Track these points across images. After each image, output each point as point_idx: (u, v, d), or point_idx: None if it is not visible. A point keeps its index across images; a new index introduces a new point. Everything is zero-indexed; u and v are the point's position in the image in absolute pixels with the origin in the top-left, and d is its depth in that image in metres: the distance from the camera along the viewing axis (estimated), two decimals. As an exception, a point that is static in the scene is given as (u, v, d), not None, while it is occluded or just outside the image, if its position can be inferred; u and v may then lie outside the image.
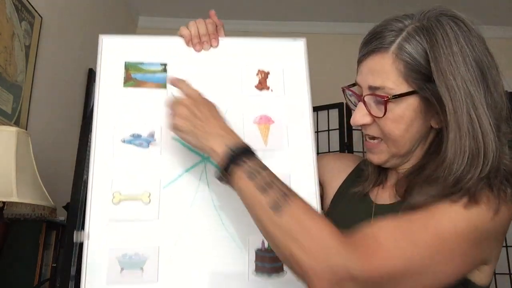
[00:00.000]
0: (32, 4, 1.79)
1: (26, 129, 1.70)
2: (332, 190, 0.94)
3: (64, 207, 1.60)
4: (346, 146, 2.61)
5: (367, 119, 0.79)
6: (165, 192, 0.86)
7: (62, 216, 1.54)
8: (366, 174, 0.89)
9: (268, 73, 0.95)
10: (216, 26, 0.96)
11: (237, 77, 0.94)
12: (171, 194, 0.86)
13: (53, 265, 1.52)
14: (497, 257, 0.76)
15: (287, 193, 0.67)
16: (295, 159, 0.90)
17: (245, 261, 0.84)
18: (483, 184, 0.70)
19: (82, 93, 2.38)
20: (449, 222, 0.67)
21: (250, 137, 0.90)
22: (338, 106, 2.67)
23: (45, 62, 1.92)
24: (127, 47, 0.95)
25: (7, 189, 1.19)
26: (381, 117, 0.77)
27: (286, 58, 0.97)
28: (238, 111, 0.92)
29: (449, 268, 0.67)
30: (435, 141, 0.79)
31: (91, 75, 2.42)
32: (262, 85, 0.94)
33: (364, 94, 0.79)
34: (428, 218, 0.68)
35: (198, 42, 0.94)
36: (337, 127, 2.67)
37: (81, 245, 0.84)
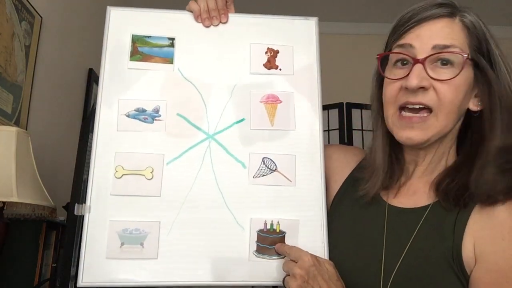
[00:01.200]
0: (32, 4, 1.79)
1: (26, 129, 1.70)
2: (336, 184, 0.92)
3: (64, 207, 1.60)
4: (346, 146, 2.61)
5: (425, 82, 0.75)
6: (168, 168, 0.86)
7: (62, 216, 1.54)
8: (370, 171, 0.85)
9: (277, 51, 0.94)
10: (226, 1, 0.94)
11: (246, 54, 0.93)
12: (174, 171, 0.86)
13: (53, 265, 1.52)
14: None
15: None
16: (301, 140, 0.89)
17: (246, 241, 0.84)
18: None
19: (82, 93, 2.38)
20: None
21: (257, 116, 0.89)
22: (338, 106, 2.67)
23: (45, 62, 1.92)
24: (134, 20, 0.93)
25: (7, 189, 1.19)
26: (447, 80, 0.74)
27: (297, 37, 0.95)
28: (245, 89, 0.91)
29: None
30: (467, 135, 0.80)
31: (91, 75, 2.41)
32: (270, 63, 0.93)
33: (426, 55, 0.75)
34: None
35: (207, 17, 0.92)
36: (337, 127, 2.67)
37: (75, 214, 0.83)
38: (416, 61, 0.75)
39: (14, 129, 1.30)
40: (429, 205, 0.78)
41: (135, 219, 0.83)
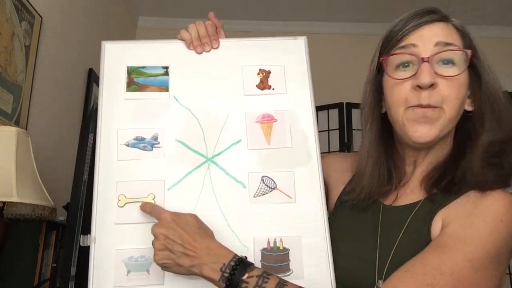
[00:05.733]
0: (32, 4, 1.79)
1: (26, 129, 1.70)
2: (337, 190, 0.94)
3: (64, 207, 1.60)
4: (346, 146, 2.61)
5: (436, 80, 0.75)
6: (170, 193, 0.86)
7: (62, 216, 1.54)
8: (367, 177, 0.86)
9: (269, 72, 0.95)
10: (216, 27, 0.97)
11: (238, 77, 0.95)
12: (176, 196, 0.86)
13: (53, 265, 1.52)
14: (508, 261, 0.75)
15: None
16: (298, 156, 0.90)
17: (251, 261, 0.83)
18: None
19: (82, 93, 2.38)
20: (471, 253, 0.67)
21: (253, 136, 0.90)
22: (338, 106, 2.68)
23: (45, 62, 1.92)
24: (128, 52, 0.95)
25: (7, 189, 1.19)
26: (453, 77, 0.76)
27: (287, 56, 0.96)
28: (240, 111, 0.92)
29: None
30: (460, 130, 0.81)
31: (91, 75, 2.42)
32: (263, 84, 0.94)
33: (431, 53, 0.76)
34: (444, 257, 0.68)
35: (199, 44, 0.95)
36: (337, 127, 2.67)
37: (81, 246, 0.84)
38: (422, 60, 0.76)
39: (14, 129, 1.30)
40: (420, 200, 0.80)
41: (140, 246, 0.83)
